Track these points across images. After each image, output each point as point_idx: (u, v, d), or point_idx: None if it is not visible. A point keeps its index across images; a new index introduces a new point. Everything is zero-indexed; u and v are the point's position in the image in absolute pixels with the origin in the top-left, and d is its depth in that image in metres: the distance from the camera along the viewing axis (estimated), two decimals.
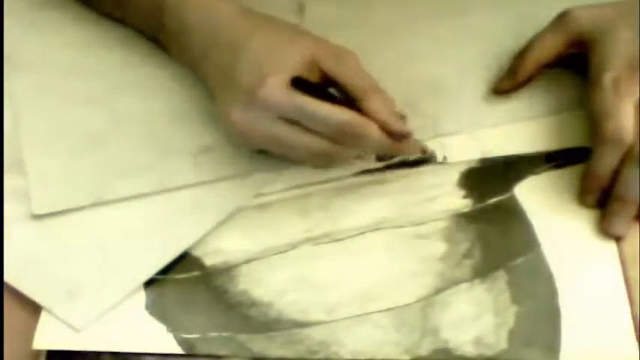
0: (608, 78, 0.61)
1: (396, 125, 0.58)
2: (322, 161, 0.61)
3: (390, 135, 0.58)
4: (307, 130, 0.58)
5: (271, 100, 0.58)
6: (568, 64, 0.66)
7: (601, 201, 0.61)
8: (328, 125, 0.57)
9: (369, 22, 0.71)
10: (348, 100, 0.59)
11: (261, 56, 0.59)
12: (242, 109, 0.59)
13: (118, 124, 0.66)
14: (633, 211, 0.60)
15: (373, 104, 0.58)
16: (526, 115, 0.66)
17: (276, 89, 0.58)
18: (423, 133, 0.64)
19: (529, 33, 0.67)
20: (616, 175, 0.60)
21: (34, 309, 0.59)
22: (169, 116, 0.66)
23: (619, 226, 0.60)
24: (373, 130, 0.58)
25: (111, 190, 0.63)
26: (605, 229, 0.60)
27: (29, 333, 0.58)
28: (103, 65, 0.69)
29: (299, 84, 0.58)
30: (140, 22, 0.68)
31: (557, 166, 0.64)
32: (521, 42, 0.67)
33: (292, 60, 0.59)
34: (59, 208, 0.62)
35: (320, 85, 0.59)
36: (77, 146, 0.65)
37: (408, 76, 0.68)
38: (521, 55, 0.66)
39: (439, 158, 0.64)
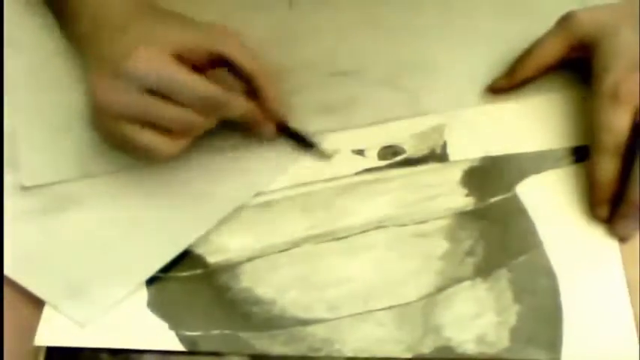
0: (607, 82, 0.61)
1: (278, 107, 0.63)
2: (194, 130, 0.60)
3: (270, 114, 0.62)
4: (172, 101, 0.58)
5: (137, 70, 0.57)
6: (571, 66, 0.66)
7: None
8: (195, 98, 0.58)
9: (358, 1, 0.72)
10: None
11: (139, 36, 0.59)
12: (109, 83, 0.58)
13: None
14: None
15: (263, 84, 0.62)
16: (510, 97, 0.66)
17: (143, 60, 0.57)
18: (402, 109, 0.65)
19: (522, 19, 0.68)
20: (622, 179, 0.60)
21: (35, 306, 0.59)
22: None
23: (629, 228, 0.60)
24: (239, 102, 0.60)
25: (97, 165, 0.64)
26: (615, 231, 0.60)
27: (29, 330, 0.58)
28: None
29: None
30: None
31: (560, 165, 0.63)
32: (513, 27, 0.68)
33: (170, 40, 0.59)
34: (47, 181, 0.64)
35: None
36: (67, 124, 0.66)
37: (391, 52, 0.68)
38: (522, 57, 0.66)
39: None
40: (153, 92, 0.58)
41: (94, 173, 0.64)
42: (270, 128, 0.64)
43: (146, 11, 0.62)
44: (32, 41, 0.70)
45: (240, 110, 0.61)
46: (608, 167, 0.60)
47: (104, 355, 0.58)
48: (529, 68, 0.65)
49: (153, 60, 0.57)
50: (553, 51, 0.65)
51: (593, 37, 0.63)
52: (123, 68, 0.57)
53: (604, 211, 0.61)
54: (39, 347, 0.58)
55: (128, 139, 0.59)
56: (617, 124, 0.60)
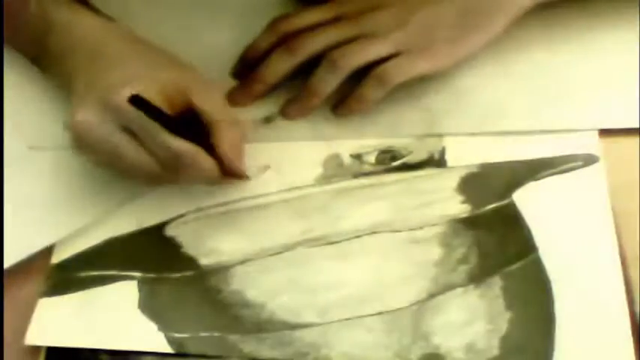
0: None
1: (234, 164, 0.60)
2: (152, 181, 0.61)
3: (226, 171, 0.60)
4: (145, 148, 0.58)
5: (120, 107, 0.57)
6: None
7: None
8: (164, 150, 0.57)
9: None
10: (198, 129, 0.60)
11: (132, 71, 0.60)
12: (90, 110, 0.58)
13: None
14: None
15: (222, 137, 0.59)
16: (529, 128, 0.65)
17: (126, 99, 0.57)
18: (419, 127, 0.65)
19: (557, 43, 0.68)
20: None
21: (35, 306, 0.60)
22: None
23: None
24: (204, 164, 0.58)
25: None
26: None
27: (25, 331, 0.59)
28: None
29: (137, 102, 0.56)
30: (25, 45, 0.68)
31: (558, 172, 0.62)
32: (546, 52, 0.68)
33: (161, 81, 0.59)
34: (50, 144, 0.66)
35: (157, 108, 0.57)
36: None
37: None
38: None
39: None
40: (131, 134, 0.58)
41: None
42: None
43: (141, 49, 0.63)
44: None
45: (205, 175, 0.59)
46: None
47: (104, 356, 0.58)
48: None
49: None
50: None
51: None
52: (108, 101, 0.57)
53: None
54: (39, 347, 0.58)
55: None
56: None
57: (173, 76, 0.60)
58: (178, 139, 0.57)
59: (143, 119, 0.56)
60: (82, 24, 0.64)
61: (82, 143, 0.59)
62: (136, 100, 0.56)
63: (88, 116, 0.58)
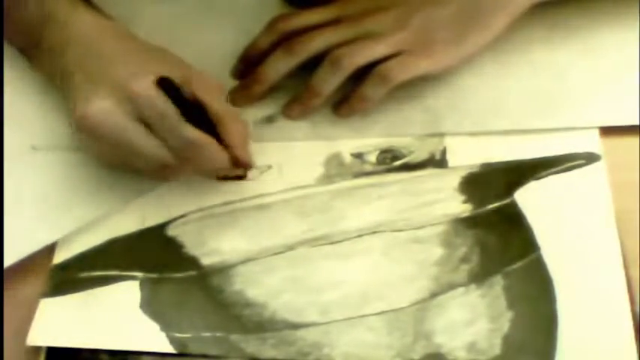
0: None
1: (243, 154, 0.61)
2: (161, 173, 0.61)
3: (235, 161, 0.60)
4: (159, 138, 0.58)
5: (144, 93, 0.57)
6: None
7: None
8: (179, 139, 0.58)
9: None
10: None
11: (134, 68, 0.59)
12: (105, 100, 0.58)
13: None
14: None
15: (229, 129, 0.60)
16: (529, 127, 0.65)
17: (149, 87, 0.57)
18: (421, 127, 0.65)
19: (556, 42, 0.68)
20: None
21: (35, 306, 0.60)
22: None
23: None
24: (217, 153, 0.59)
25: None
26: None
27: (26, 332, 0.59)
28: None
29: (165, 86, 0.57)
30: (18, 36, 0.68)
31: (559, 171, 0.63)
32: (546, 51, 0.68)
33: (164, 72, 0.59)
34: (56, 144, 0.66)
35: (183, 94, 0.58)
36: None
37: None
38: None
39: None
40: (145, 123, 0.58)
41: None
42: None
43: (137, 47, 0.63)
44: None
45: (217, 164, 0.60)
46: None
47: (104, 356, 0.58)
48: None
49: (156, 89, 0.58)
50: None
51: None
52: (128, 90, 0.57)
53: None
54: (39, 347, 0.58)
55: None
56: None
57: (173, 72, 0.60)
58: (195, 129, 0.58)
59: (164, 106, 0.57)
60: (79, 20, 0.64)
61: (94, 135, 0.59)
62: (164, 84, 0.57)
63: (104, 106, 0.58)
